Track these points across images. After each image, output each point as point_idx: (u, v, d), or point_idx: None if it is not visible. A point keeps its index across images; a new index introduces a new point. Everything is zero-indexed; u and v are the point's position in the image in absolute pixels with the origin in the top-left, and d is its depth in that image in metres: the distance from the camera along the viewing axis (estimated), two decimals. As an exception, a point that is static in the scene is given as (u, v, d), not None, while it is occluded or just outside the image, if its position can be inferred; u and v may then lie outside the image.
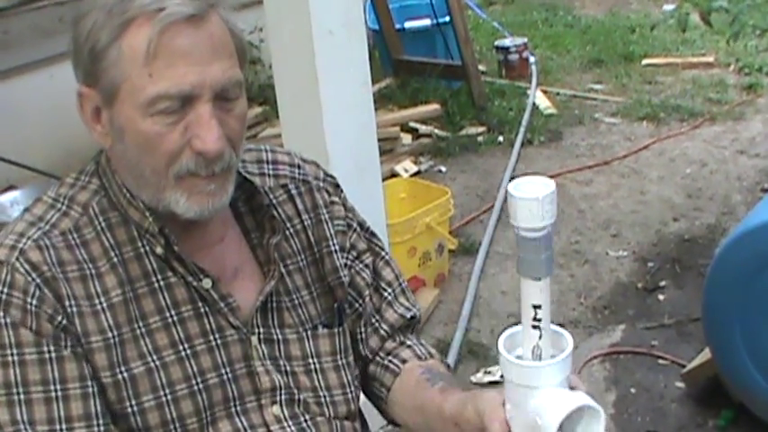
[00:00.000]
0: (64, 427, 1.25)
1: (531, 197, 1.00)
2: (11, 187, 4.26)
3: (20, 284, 1.27)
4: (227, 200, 1.34)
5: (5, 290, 1.27)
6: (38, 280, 1.28)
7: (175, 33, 1.23)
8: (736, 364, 2.91)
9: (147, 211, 1.34)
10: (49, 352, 1.27)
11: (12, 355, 1.26)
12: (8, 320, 1.26)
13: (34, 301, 1.27)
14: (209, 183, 1.30)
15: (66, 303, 1.29)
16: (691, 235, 4.55)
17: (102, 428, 1.28)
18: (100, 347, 1.30)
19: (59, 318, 1.28)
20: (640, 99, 6.48)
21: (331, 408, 1.48)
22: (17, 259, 1.28)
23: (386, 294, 1.59)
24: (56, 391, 1.26)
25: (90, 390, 1.29)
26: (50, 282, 1.29)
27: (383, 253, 1.62)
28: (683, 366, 3.40)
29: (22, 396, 1.25)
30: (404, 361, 1.56)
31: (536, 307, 1.07)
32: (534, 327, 1.08)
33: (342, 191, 1.61)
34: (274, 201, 1.49)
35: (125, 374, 1.31)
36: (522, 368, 1.09)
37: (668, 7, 8.56)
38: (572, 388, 1.12)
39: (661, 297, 4.04)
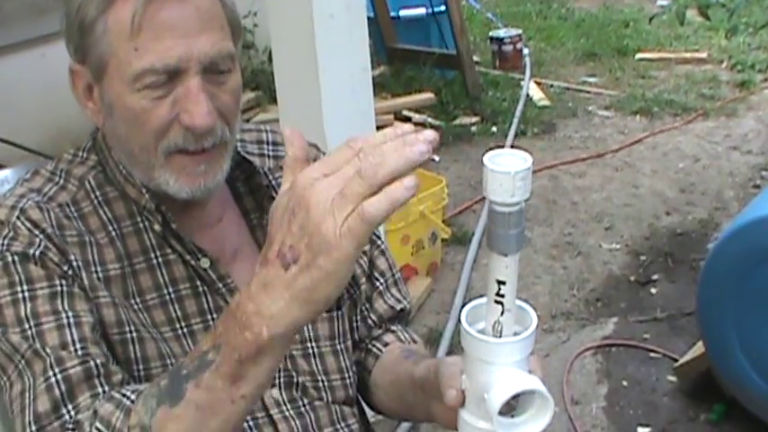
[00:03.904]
0: (78, 346, 1.20)
1: (504, 171, 0.96)
2: (0, 166, 4.21)
3: (23, 239, 1.25)
4: (221, 178, 1.32)
5: (6, 242, 1.24)
6: (41, 236, 1.25)
7: (161, 6, 1.21)
8: (729, 358, 2.91)
9: (144, 188, 1.32)
10: (61, 286, 1.24)
11: (22, 291, 1.22)
12: (16, 259, 1.23)
13: (40, 249, 1.24)
14: (199, 162, 1.27)
15: (71, 258, 1.26)
16: (683, 229, 4.56)
17: (113, 356, 1.24)
18: (108, 303, 1.27)
19: (66, 267, 1.25)
20: (634, 93, 6.50)
21: (329, 392, 1.46)
22: (18, 218, 1.26)
23: (377, 284, 1.57)
24: (67, 318, 1.22)
25: (100, 330, 1.25)
26: (53, 238, 1.26)
27: (379, 242, 1.60)
28: (675, 360, 3.41)
29: (33, 330, 1.21)
30: (386, 344, 1.54)
31: (500, 282, 1.03)
32: (497, 302, 1.04)
33: (341, 175, 1.58)
34: (273, 182, 1.47)
35: (134, 334, 1.28)
36: (478, 342, 1.05)
37: (663, 2, 8.58)
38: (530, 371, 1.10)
39: (653, 290, 4.05)
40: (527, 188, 0.98)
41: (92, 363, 1.20)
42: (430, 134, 0.92)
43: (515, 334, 1.06)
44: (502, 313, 1.04)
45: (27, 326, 1.21)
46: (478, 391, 1.06)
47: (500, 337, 1.05)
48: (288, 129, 1.05)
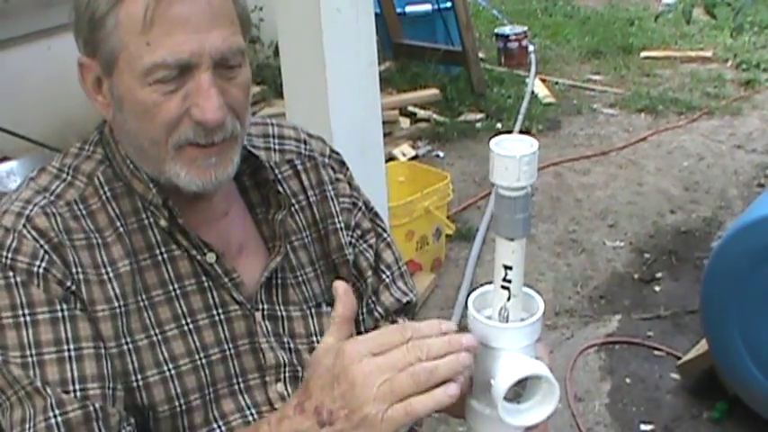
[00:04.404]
0: (78, 387, 1.22)
1: (509, 155, 0.97)
2: (5, 158, 4.23)
3: (27, 250, 1.24)
4: (232, 171, 1.31)
5: (10, 255, 1.24)
6: (46, 246, 1.25)
7: (173, 0, 1.21)
8: (732, 356, 2.91)
9: (151, 182, 1.31)
10: (62, 311, 1.24)
11: (24, 315, 1.23)
12: (18, 280, 1.23)
13: (43, 264, 1.24)
14: (210, 155, 1.27)
15: (74, 270, 1.26)
16: (687, 227, 4.56)
17: (112, 392, 1.25)
18: (105, 317, 1.27)
19: (68, 282, 1.25)
20: (638, 91, 6.50)
21: (333, 387, 1.46)
22: (24, 226, 1.26)
23: (384, 277, 1.57)
24: (69, 350, 1.23)
25: (102, 351, 1.26)
26: (58, 248, 1.26)
27: (385, 234, 1.60)
28: (679, 358, 3.41)
29: (35, 358, 1.21)
30: None
31: (507, 267, 1.04)
32: (503, 287, 1.05)
33: (347, 168, 1.59)
34: (280, 176, 1.47)
35: (130, 346, 1.28)
36: (484, 327, 1.06)
37: (668, 0, 8.57)
38: (537, 358, 1.09)
39: (657, 288, 4.05)
40: (533, 173, 0.98)
41: (91, 407, 1.21)
42: (471, 341, 1.03)
43: (522, 320, 1.06)
44: (508, 299, 1.04)
45: (28, 353, 1.21)
46: (485, 378, 1.06)
47: (506, 322, 1.05)
48: (342, 286, 1.15)
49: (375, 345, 1.04)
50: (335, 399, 1.03)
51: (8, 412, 1.22)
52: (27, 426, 1.19)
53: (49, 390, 1.20)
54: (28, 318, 1.22)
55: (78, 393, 1.22)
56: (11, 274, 1.23)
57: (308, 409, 1.06)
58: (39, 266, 1.24)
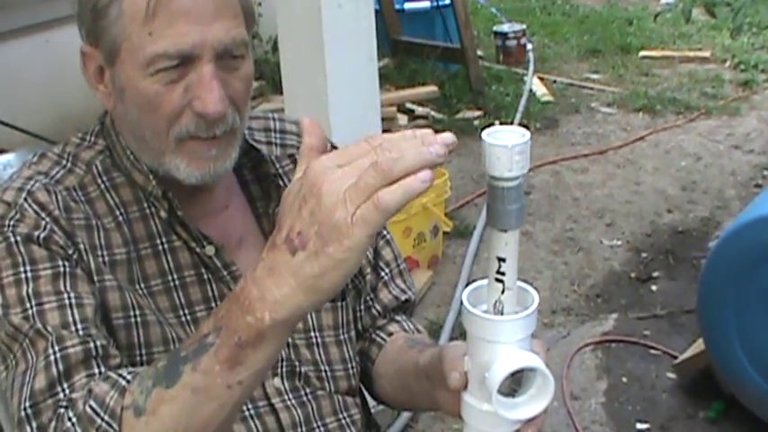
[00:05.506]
0: (80, 327, 1.20)
1: (501, 144, 0.96)
2: (2, 150, 4.21)
3: (30, 222, 1.24)
4: (230, 164, 1.31)
5: (12, 223, 1.24)
6: (47, 218, 1.25)
7: None
8: (729, 356, 2.91)
9: (151, 174, 1.31)
10: (64, 267, 1.23)
11: (25, 272, 1.22)
12: (19, 239, 1.23)
13: (45, 233, 1.24)
14: (210, 147, 1.27)
15: (78, 240, 1.26)
16: (684, 227, 4.56)
17: (112, 343, 1.23)
18: (113, 287, 1.26)
19: (71, 251, 1.25)
20: (637, 90, 6.51)
21: (332, 382, 1.45)
22: (25, 200, 1.26)
23: (383, 274, 1.56)
24: (69, 299, 1.21)
25: (103, 314, 1.24)
26: (59, 221, 1.26)
27: (384, 232, 1.59)
28: (675, 357, 3.41)
29: (35, 309, 1.20)
30: (390, 334, 1.54)
31: (500, 260, 1.02)
32: (498, 280, 1.04)
33: (348, 165, 1.57)
34: (281, 170, 1.47)
35: (138, 318, 1.27)
36: (479, 320, 1.05)
37: (668, 0, 8.58)
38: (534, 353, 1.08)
39: (654, 288, 4.05)
40: (525, 163, 0.97)
41: (92, 344, 1.19)
42: (449, 137, 0.93)
43: (517, 313, 1.05)
44: (503, 291, 1.03)
45: (28, 305, 1.20)
46: (480, 372, 1.05)
47: (501, 315, 1.05)
48: (307, 119, 1.05)
49: (342, 156, 0.94)
50: (304, 219, 0.93)
51: (13, 370, 1.19)
52: (29, 373, 1.17)
53: (49, 328, 1.18)
54: (30, 274, 1.21)
55: (80, 331, 1.19)
56: (11, 235, 1.23)
57: (279, 242, 0.95)
58: (41, 233, 1.24)
